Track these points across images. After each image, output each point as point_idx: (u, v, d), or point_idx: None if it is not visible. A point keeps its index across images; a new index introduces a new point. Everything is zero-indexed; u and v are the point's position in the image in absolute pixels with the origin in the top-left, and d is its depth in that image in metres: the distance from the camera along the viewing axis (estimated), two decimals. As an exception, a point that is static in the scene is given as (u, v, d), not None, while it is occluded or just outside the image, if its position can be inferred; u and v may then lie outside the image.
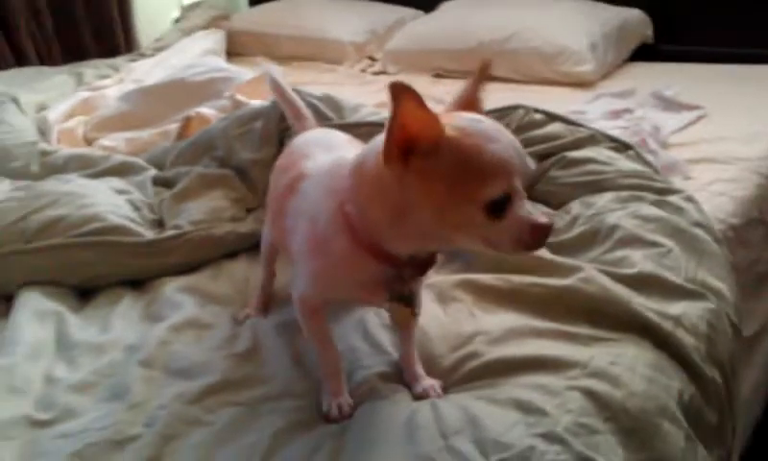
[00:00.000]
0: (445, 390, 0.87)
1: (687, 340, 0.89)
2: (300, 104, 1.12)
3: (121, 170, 1.40)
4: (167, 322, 1.03)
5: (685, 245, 1.05)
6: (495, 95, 2.08)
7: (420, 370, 0.89)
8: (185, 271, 1.18)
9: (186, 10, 3.05)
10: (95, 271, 1.14)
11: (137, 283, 1.16)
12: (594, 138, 1.34)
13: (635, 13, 2.55)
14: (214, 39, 2.66)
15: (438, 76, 2.47)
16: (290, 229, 0.87)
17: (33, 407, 0.88)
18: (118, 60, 2.42)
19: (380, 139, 0.72)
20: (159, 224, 1.26)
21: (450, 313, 0.98)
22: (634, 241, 1.06)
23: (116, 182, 1.34)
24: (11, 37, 2.58)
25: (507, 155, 0.71)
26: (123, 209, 1.23)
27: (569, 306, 0.94)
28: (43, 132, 1.64)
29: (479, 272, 1.05)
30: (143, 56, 2.48)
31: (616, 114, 1.76)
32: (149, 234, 1.19)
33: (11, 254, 1.12)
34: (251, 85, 1.71)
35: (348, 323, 1.00)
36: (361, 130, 1.26)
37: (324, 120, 1.32)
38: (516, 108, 1.36)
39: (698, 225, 1.10)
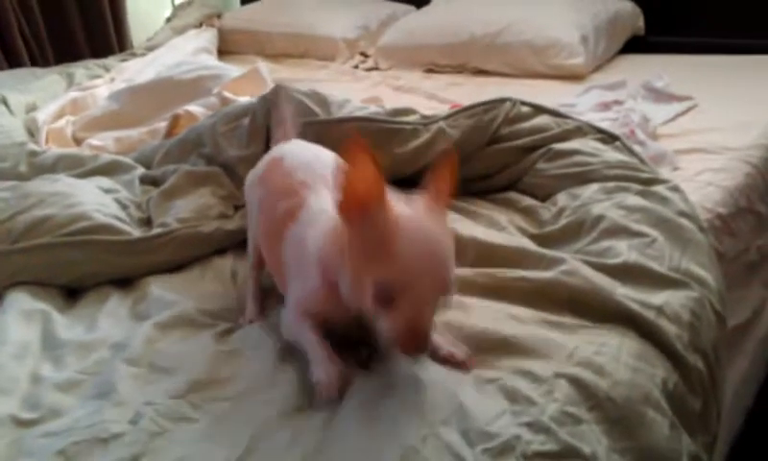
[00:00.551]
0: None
1: (670, 329, 0.90)
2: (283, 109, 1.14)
3: (109, 169, 1.40)
4: (154, 319, 1.03)
5: (670, 234, 1.05)
6: (487, 89, 2.12)
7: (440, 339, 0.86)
8: (173, 269, 1.17)
9: (178, 8, 3.05)
10: (82, 270, 1.14)
11: (125, 282, 1.15)
12: (581, 130, 1.34)
13: (626, 6, 2.56)
14: (206, 38, 2.66)
15: (430, 71, 2.48)
16: (287, 254, 0.92)
17: (18, 407, 0.87)
18: (109, 60, 2.42)
19: None
20: (147, 222, 1.26)
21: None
22: (618, 231, 1.06)
23: (104, 182, 1.34)
24: (2, 39, 2.58)
25: (420, 254, 0.72)
26: (110, 208, 1.23)
27: (553, 299, 0.94)
28: (32, 132, 1.63)
29: (464, 265, 1.05)
30: (134, 55, 2.48)
31: (606, 106, 1.76)
32: (136, 233, 1.19)
33: (-3, 254, 1.12)
34: (238, 83, 1.72)
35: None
36: (347, 125, 1.26)
37: (310, 116, 1.32)
38: (503, 100, 1.36)
39: (683, 214, 1.10)
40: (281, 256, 0.94)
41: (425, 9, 2.76)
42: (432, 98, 2.12)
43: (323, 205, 0.91)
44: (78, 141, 1.67)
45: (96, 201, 1.23)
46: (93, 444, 0.80)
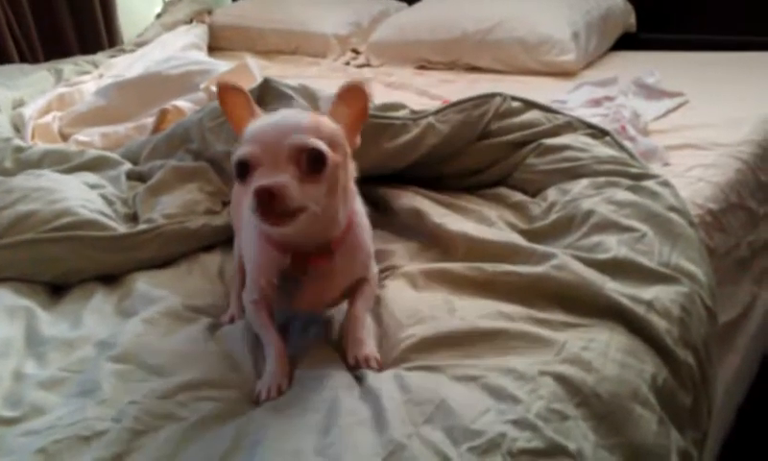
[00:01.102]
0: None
1: (660, 324, 0.89)
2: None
3: (95, 165, 1.39)
4: (140, 316, 1.02)
5: (660, 229, 1.04)
6: (479, 86, 2.12)
7: (361, 335, 0.88)
8: (159, 265, 1.16)
9: (168, 4, 3.02)
10: (66, 266, 1.13)
11: (110, 278, 1.14)
12: (571, 125, 1.33)
13: (617, 2, 2.56)
14: (196, 34, 2.65)
15: (421, 67, 2.47)
16: (245, 240, 0.96)
17: (0, 405, 0.86)
18: (98, 57, 2.40)
19: None
20: (133, 218, 1.25)
21: (424, 297, 0.97)
22: (608, 226, 1.05)
23: (89, 177, 1.32)
24: (-10, 35, 2.55)
25: (258, 127, 0.82)
26: (95, 204, 1.21)
27: (542, 294, 0.93)
28: (18, 128, 1.62)
29: (452, 261, 1.04)
30: (123, 51, 2.46)
31: (597, 102, 1.76)
32: (122, 229, 1.18)
33: (-20, 250, 1.11)
34: (227, 78, 1.70)
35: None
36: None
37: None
38: (493, 95, 1.35)
39: (673, 209, 1.09)
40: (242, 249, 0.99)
41: (417, 5, 2.75)
42: (423, 94, 2.11)
43: None
44: (64, 137, 1.66)
45: (81, 196, 1.21)
46: (75, 442, 0.79)
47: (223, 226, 1.21)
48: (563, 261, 0.96)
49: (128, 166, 1.39)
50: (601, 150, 1.25)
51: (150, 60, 2.17)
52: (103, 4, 2.95)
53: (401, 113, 1.33)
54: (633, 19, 2.59)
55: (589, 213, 1.08)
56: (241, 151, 0.81)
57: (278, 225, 0.79)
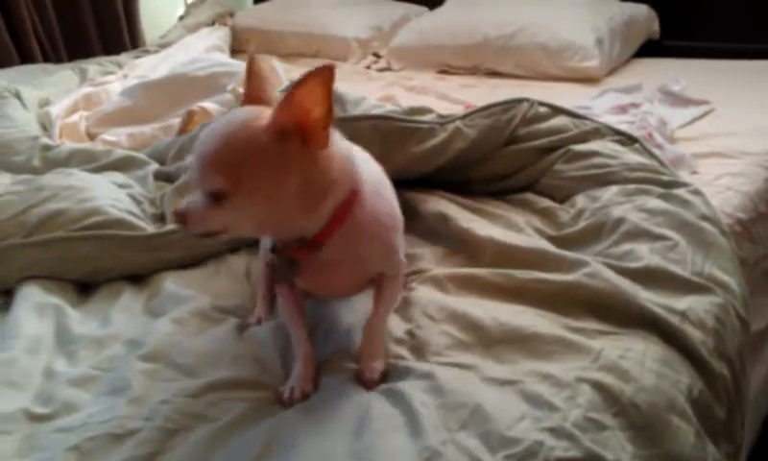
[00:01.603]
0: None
1: (695, 334, 0.88)
2: None
3: (123, 165, 1.39)
4: (168, 316, 1.02)
5: (692, 238, 1.03)
6: (500, 91, 2.11)
7: (370, 348, 0.89)
8: (186, 265, 1.17)
9: (191, 6, 3.05)
10: (95, 265, 1.13)
11: (137, 278, 1.15)
12: (599, 132, 1.32)
13: (641, 9, 2.54)
14: (218, 36, 2.66)
15: (443, 72, 2.46)
16: None
17: (32, 401, 0.87)
18: (122, 57, 2.42)
19: None
20: (161, 218, 1.25)
21: (454, 299, 0.97)
22: (640, 234, 1.04)
23: (117, 177, 1.33)
24: (16, 36, 2.58)
25: (202, 137, 0.82)
26: (124, 203, 1.22)
27: (574, 302, 0.93)
28: (45, 127, 1.63)
29: (479, 266, 1.04)
30: (147, 52, 2.48)
31: (622, 109, 1.74)
32: (150, 229, 1.18)
33: (11, 247, 1.11)
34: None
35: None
36: (365, 123, 1.25)
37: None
38: (520, 101, 1.34)
39: (705, 218, 1.08)
40: None
41: (438, 10, 2.75)
42: (444, 99, 2.10)
43: None
44: (91, 136, 1.67)
45: (110, 196, 1.22)
46: (107, 440, 0.79)
47: (249, 227, 1.21)
48: (595, 269, 0.95)
49: (155, 166, 1.40)
50: (630, 157, 1.24)
51: (174, 61, 2.18)
52: (125, 5, 2.98)
53: (428, 117, 1.32)
54: (656, 26, 2.57)
55: (620, 221, 1.07)
56: (189, 158, 0.83)
57: (202, 238, 0.85)
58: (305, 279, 0.90)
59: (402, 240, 0.97)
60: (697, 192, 1.15)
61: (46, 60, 2.67)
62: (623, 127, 1.46)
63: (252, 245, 1.20)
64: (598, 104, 1.86)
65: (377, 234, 0.90)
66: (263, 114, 0.81)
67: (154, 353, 0.93)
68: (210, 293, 1.08)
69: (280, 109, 0.78)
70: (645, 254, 1.00)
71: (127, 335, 0.99)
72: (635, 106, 1.76)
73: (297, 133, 0.78)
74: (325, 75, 0.75)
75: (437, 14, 2.70)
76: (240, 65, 1.82)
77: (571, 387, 0.77)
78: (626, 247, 1.03)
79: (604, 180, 1.20)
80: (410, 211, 1.25)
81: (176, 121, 1.61)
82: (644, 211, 1.08)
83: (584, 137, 1.30)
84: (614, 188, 1.17)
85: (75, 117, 1.71)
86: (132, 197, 1.26)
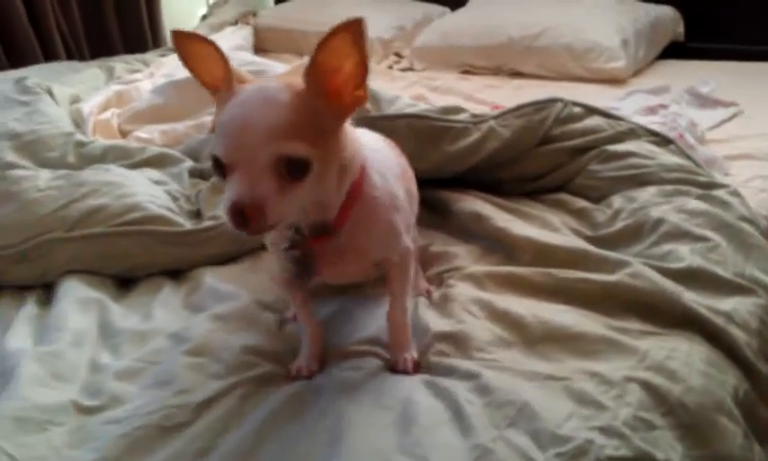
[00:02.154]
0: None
1: (740, 336, 0.88)
2: None
3: (158, 161, 1.41)
4: (210, 311, 1.03)
5: (733, 240, 1.03)
6: (525, 92, 2.10)
7: (399, 338, 0.90)
8: (224, 261, 1.18)
9: (214, 6, 3.06)
10: (135, 260, 1.14)
11: (175, 273, 1.16)
12: (635, 132, 1.32)
13: (667, 11, 2.53)
14: (242, 36, 2.67)
15: (466, 72, 2.46)
16: None
17: (79, 394, 0.88)
18: (148, 55, 2.43)
19: None
20: (197, 215, 1.26)
21: (494, 297, 0.98)
22: (680, 235, 1.04)
23: (153, 173, 1.34)
24: (40, 33, 2.61)
25: (234, 119, 0.69)
26: (162, 200, 1.23)
27: (617, 302, 0.93)
28: (78, 123, 1.64)
29: (519, 265, 1.04)
30: (173, 51, 2.48)
31: (651, 110, 1.73)
32: (188, 225, 1.19)
33: (53, 241, 1.13)
34: (284, 78, 1.71)
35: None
36: (399, 121, 1.25)
37: (361, 111, 1.31)
38: (554, 100, 1.34)
39: (744, 219, 1.08)
40: None
41: (461, 10, 2.75)
42: (469, 99, 2.10)
43: None
44: (123, 133, 1.68)
45: (148, 192, 1.23)
46: (156, 431, 0.80)
47: (286, 224, 1.22)
48: (638, 269, 0.95)
49: (189, 163, 1.41)
50: (667, 158, 1.24)
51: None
52: (148, 4, 3.00)
53: (462, 117, 1.33)
54: (681, 28, 2.56)
55: (660, 221, 1.07)
56: (217, 148, 0.69)
57: (254, 234, 0.71)
58: (320, 267, 0.85)
59: (410, 226, 0.93)
60: (735, 193, 1.15)
61: (69, 57, 2.69)
62: (654, 128, 1.46)
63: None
64: (626, 105, 1.86)
65: (381, 217, 0.84)
66: (283, 84, 0.72)
67: (198, 348, 0.94)
68: (250, 288, 1.09)
69: (309, 70, 0.70)
70: (686, 255, 1.00)
71: (169, 329, 1.00)
72: (663, 107, 1.75)
73: (331, 95, 0.71)
74: (353, 27, 0.68)
75: (459, 15, 2.70)
76: (270, 64, 1.83)
77: (620, 386, 0.78)
78: (666, 247, 1.03)
79: (641, 180, 1.20)
80: (442, 210, 1.26)
81: (208, 118, 1.61)
82: (684, 212, 1.08)
83: (619, 138, 1.30)
84: (652, 189, 1.16)
85: (107, 114, 1.73)
86: (169, 193, 1.28)
